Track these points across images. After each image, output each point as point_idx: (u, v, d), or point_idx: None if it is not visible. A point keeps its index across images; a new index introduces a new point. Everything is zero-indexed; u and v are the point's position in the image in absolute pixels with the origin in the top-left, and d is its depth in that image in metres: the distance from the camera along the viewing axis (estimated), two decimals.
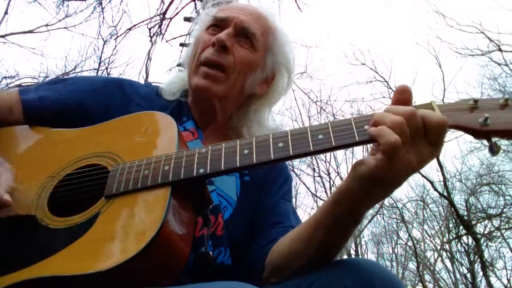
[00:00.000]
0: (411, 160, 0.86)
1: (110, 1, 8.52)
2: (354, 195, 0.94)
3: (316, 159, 14.36)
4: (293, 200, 1.49)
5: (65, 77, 1.49)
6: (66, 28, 10.85)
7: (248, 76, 1.38)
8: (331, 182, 13.88)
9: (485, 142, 0.88)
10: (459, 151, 23.57)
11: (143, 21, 7.59)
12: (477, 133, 0.87)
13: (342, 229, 1.02)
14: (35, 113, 1.27)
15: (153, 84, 1.51)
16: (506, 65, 12.44)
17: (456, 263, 16.20)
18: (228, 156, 0.98)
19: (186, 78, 1.45)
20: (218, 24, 1.38)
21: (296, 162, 13.86)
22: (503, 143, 0.87)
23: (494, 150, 0.85)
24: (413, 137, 0.86)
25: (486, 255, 13.79)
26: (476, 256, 13.24)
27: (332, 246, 1.05)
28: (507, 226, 13.52)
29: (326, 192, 13.79)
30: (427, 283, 16.32)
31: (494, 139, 0.86)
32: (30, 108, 1.28)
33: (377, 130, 0.87)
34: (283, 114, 13.19)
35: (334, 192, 1.00)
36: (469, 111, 0.89)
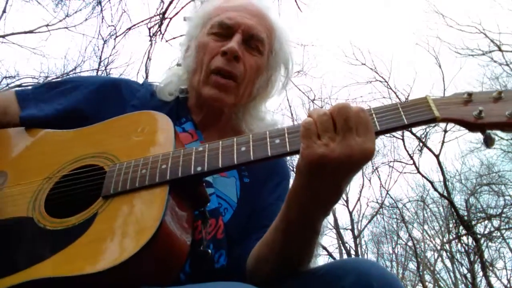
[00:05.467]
0: (335, 148, 0.88)
1: (109, 1, 8.50)
2: (299, 195, 0.96)
3: None
4: None
5: (62, 80, 1.47)
6: (66, 28, 10.83)
7: (256, 81, 1.39)
8: None
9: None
10: (459, 151, 23.59)
11: (142, 21, 7.54)
12: (472, 126, 0.88)
13: (299, 235, 1.02)
14: (32, 125, 1.28)
15: (149, 83, 1.49)
16: (507, 64, 12.41)
17: (456, 263, 16.20)
18: (225, 153, 0.98)
19: (183, 77, 1.44)
20: (224, 32, 1.34)
21: (295, 162, 13.80)
22: (503, 143, 0.88)
23: (488, 142, 0.87)
24: (342, 128, 0.89)
25: (486, 255, 13.79)
26: (476, 256, 13.23)
27: (292, 253, 1.06)
28: (507, 226, 13.50)
29: None
30: (427, 283, 16.33)
31: (488, 131, 0.87)
32: (27, 123, 1.28)
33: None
34: (284, 114, 13.19)
35: (286, 196, 1.02)
36: (463, 105, 0.90)
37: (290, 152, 0.94)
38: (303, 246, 1.05)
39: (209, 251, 1.13)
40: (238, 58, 1.30)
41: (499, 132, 0.90)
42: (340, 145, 0.88)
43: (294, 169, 0.95)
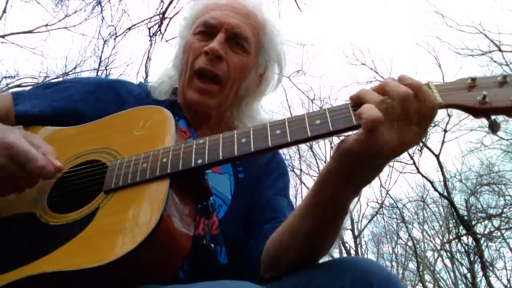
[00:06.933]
0: (391, 137, 0.85)
1: (109, 1, 8.50)
2: (334, 177, 0.94)
3: (316, 159, 14.39)
4: (291, 196, 1.47)
5: (58, 80, 1.47)
6: (66, 28, 10.85)
7: (242, 80, 1.38)
8: None
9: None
10: (459, 151, 23.58)
11: (142, 21, 7.55)
12: (476, 112, 0.87)
13: (327, 218, 1.01)
14: (28, 122, 1.27)
15: (145, 83, 1.50)
16: (507, 65, 12.40)
17: (456, 263, 16.22)
18: (226, 145, 0.97)
19: (175, 77, 1.46)
20: (208, 31, 1.35)
21: (296, 161, 13.83)
22: (503, 143, 0.87)
23: (494, 128, 0.85)
24: (401, 117, 0.86)
25: (486, 255, 13.80)
26: (476, 256, 13.23)
27: (320, 237, 1.04)
28: (507, 226, 13.51)
29: None
30: (427, 283, 16.33)
31: (493, 117, 0.85)
32: (22, 119, 1.27)
33: (363, 105, 0.87)
34: (284, 114, 13.21)
35: (316, 178, 1.00)
36: (467, 90, 0.89)
37: (291, 143, 0.93)
38: (331, 228, 1.03)
39: (212, 245, 1.13)
40: (220, 57, 1.30)
41: (499, 132, 0.88)
42: (397, 135, 0.86)
43: (334, 152, 0.93)
